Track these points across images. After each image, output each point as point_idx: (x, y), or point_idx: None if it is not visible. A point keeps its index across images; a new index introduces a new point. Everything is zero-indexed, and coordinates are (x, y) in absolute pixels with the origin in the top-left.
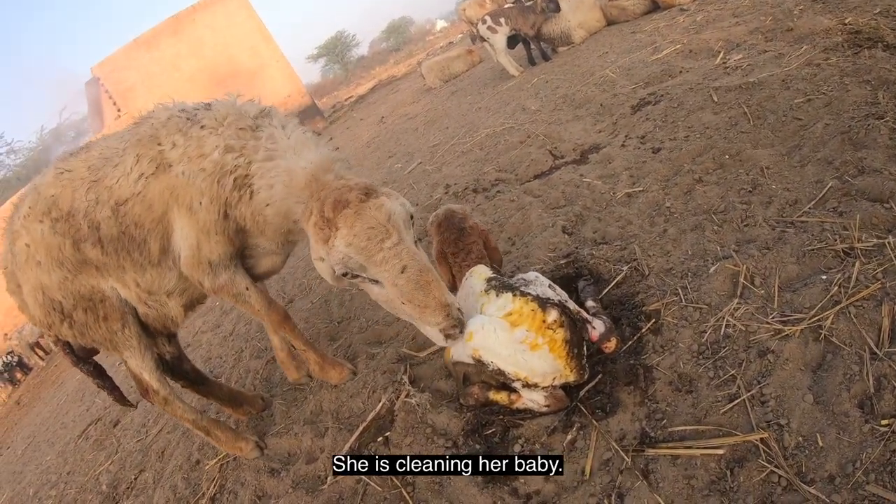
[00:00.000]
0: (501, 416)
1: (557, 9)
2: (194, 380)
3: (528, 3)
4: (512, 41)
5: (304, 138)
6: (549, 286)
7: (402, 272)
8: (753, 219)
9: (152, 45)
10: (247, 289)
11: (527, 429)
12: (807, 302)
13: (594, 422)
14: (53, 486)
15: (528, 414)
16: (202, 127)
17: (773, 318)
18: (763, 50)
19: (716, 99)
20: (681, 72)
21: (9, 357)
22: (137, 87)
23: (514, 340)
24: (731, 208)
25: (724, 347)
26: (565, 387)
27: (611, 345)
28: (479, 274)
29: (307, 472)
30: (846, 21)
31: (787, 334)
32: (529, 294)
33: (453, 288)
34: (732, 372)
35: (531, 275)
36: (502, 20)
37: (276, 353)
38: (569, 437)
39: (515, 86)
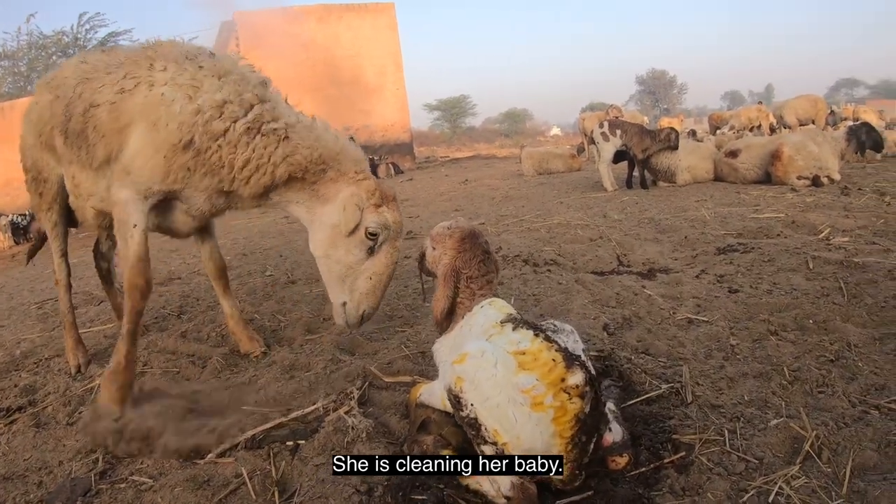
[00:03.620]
0: (442, 486)
1: (676, 146)
2: (104, 277)
3: (651, 129)
4: (619, 156)
5: None
6: (584, 351)
7: (395, 260)
8: (832, 388)
9: (294, 21)
10: (135, 226)
11: None
12: (885, 500)
13: None
14: None
15: (479, 499)
16: (201, 67)
17: (838, 503)
18: (871, 241)
19: (811, 266)
20: (779, 234)
21: (20, 218)
22: (262, 48)
23: (513, 386)
24: (807, 370)
25: None
26: (544, 484)
27: (621, 461)
28: (501, 306)
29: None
30: None
31: None
32: (556, 342)
33: (446, 314)
34: None
35: (567, 326)
36: (618, 132)
37: (227, 321)
38: None
39: (604, 198)
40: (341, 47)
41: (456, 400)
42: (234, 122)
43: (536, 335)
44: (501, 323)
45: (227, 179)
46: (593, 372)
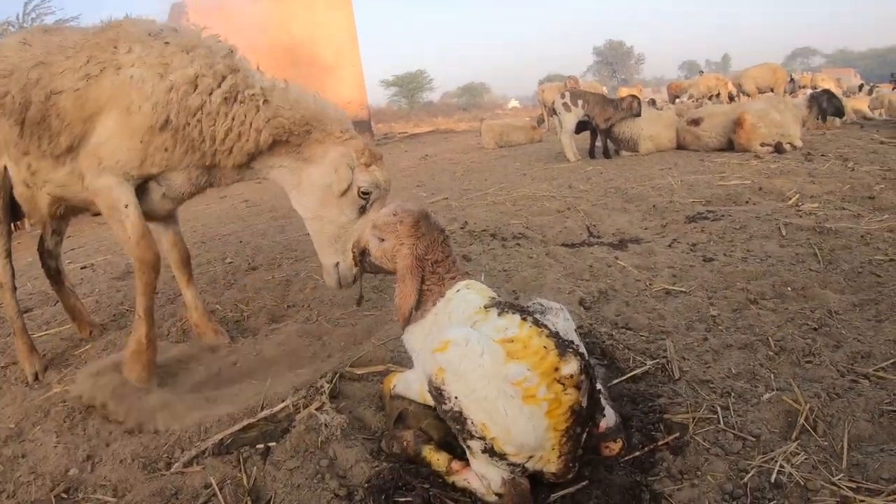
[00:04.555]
0: (427, 486)
1: (639, 114)
2: (53, 276)
3: (613, 98)
4: (581, 126)
5: None
6: (576, 331)
7: None
8: (818, 358)
9: (248, 1)
10: (126, 206)
11: None
12: (885, 472)
13: None
14: None
15: (467, 497)
16: (167, 43)
17: (840, 479)
18: (840, 207)
19: (784, 233)
20: (747, 201)
21: None
22: (216, 30)
23: (502, 377)
24: (791, 339)
25: (772, 500)
26: (536, 478)
27: (615, 447)
28: (480, 289)
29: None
30: None
31: None
32: (546, 326)
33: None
34: None
35: (555, 305)
36: (580, 102)
37: (190, 313)
38: None
39: (568, 168)
40: (297, 26)
41: (438, 392)
42: (210, 94)
43: (524, 319)
44: (485, 308)
45: (209, 153)
46: (587, 356)
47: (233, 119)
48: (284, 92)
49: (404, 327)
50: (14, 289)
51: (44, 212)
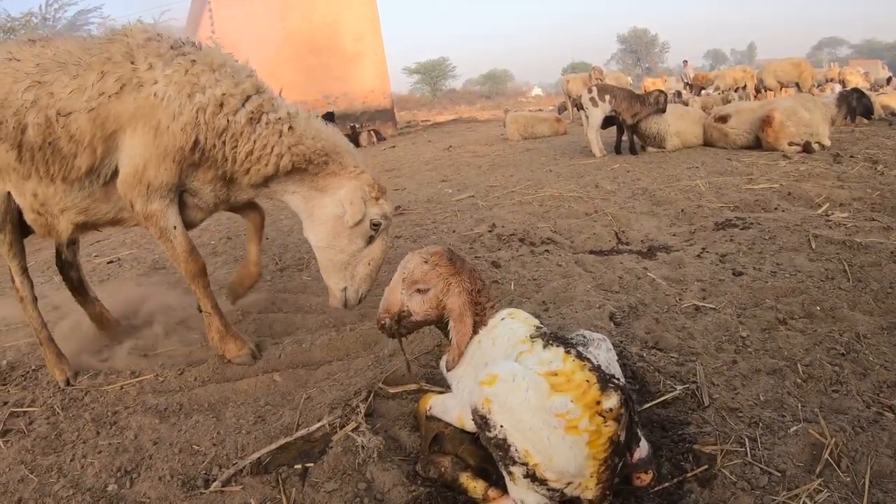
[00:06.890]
0: None
1: (664, 109)
2: (76, 287)
3: (640, 93)
4: (607, 122)
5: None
6: (616, 362)
7: (388, 246)
8: (845, 387)
9: None
10: (175, 227)
11: None
12: None
13: None
14: None
15: None
16: (194, 61)
17: None
18: (870, 217)
19: (814, 246)
20: (776, 208)
21: None
22: (237, 18)
23: (547, 410)
24: (819, 365)
25: None
26: None
27: (646, 477)
28: (525, 318)
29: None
30: None
31: None
32: (589, 360)
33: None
34: None
35: (597, 336)
36: (607, 97)
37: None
38: None
39: (594, 165)
40: (318, 14)
41: (483, 420)
42: (235, 114)
43: (568, 352)
44: (531, 338)
45: (230, 171)
46: (627, 389)
47: (255, 142)
48: (307, 121)
49: (450, 367)
50: (35, 300)
51: (63, 237)
